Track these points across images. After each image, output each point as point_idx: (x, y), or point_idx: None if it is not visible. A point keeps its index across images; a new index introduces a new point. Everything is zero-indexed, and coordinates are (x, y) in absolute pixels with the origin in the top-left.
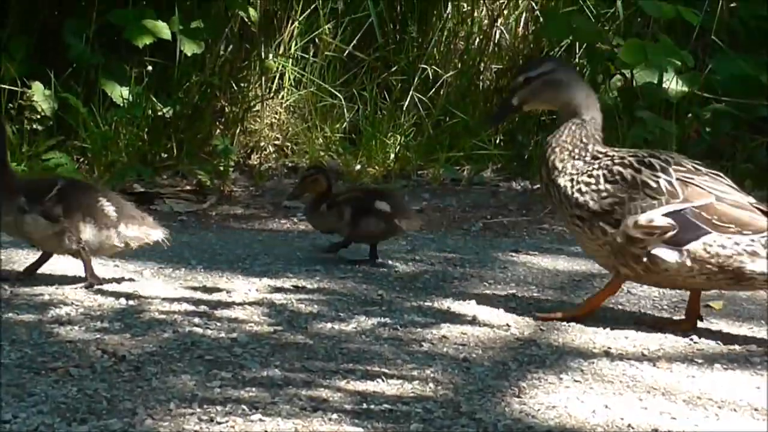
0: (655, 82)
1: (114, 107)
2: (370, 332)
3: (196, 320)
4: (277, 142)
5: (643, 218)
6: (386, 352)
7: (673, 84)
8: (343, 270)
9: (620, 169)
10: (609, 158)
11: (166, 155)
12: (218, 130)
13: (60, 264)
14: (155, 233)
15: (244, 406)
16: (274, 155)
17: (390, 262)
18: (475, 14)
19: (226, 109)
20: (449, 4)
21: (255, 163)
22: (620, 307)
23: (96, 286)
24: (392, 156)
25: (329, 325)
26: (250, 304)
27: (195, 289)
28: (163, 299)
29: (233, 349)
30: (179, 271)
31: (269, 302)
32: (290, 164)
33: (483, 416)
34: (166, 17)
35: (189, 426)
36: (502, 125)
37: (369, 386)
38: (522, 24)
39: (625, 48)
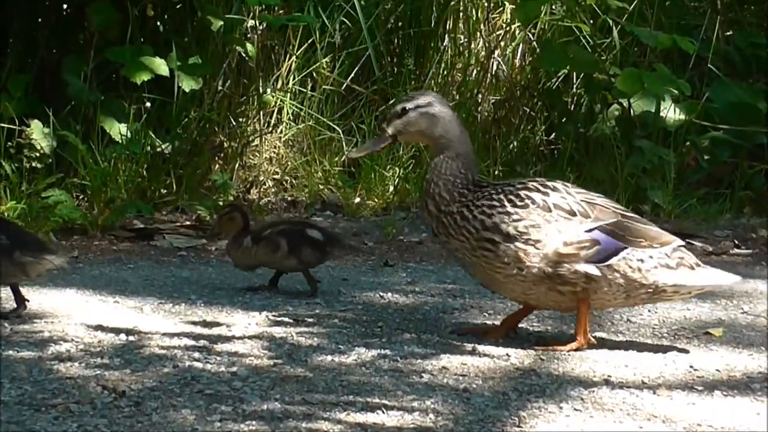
0: (653, 110)
1: (113, 144)
2: (371, 364)
3: (196, 355)
4: (276, 177)
5: (569, 236)
6: (386, 384)
7: (670, 112)
8: (343, 302)
9: (527, 193)
10: (503, 185)
11: (165, 191)
12: (217, 165)
13: (58, 301)
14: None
15: None
16: (273, 189)
17: (389, 294)
18: (472, 46)
19: (225, 144)
20: (446, 36)
21: (254, 197)
22: (620, 335)
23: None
24: (391, 188)
25: (329, 357)
26: (250, 337)
27: (195, 323)
28: (163, 334)
29: (233, 383)
30: (179, 306)
31: (269, 335)
32: (290, 198)
33: None
34: (164, 54)
35: None
36: (377, 153)
37: (369, 418)
38: (519, 55)
39: (622, 77)
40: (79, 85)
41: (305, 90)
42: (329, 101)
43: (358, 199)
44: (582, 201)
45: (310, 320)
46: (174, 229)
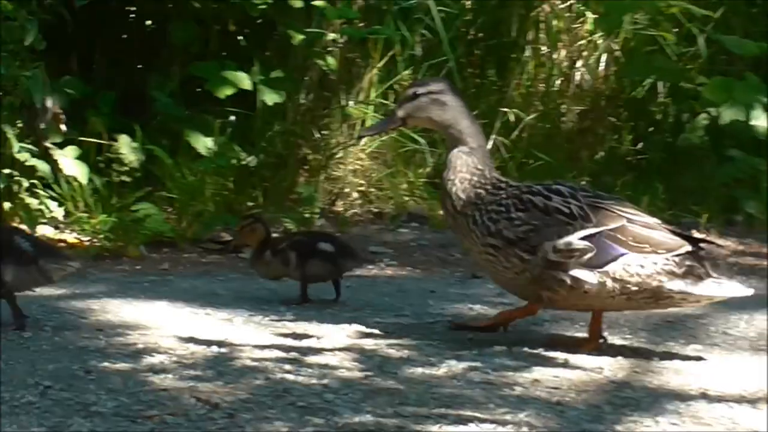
0: (742, 119)
1: (199, 158)
2: (462, 376)
3: (288, 367)
4: (361, 188)
5: (561, 243)
6: (478, 397)
7: (761, 121)
8: (432, 315)
9: (530, 197)
10: (515, 188)
11: (251, 204)
12: (302, 178)
13: (151, 313)
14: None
15: None
16: (358, 201)
17: (478, 306)
18: (555, 56)
19: (310, 157)
20: (528, 47)
21: (340, 209)
22: (716, 347)
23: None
24: None
25: (420, 369)
26: (341, 349)
27: (285, 335)
28: (254, 346)
29: (325, 395)
30: (269, 317)
31: (359, 348)
32: (375, 210)
33: None
34: (247, 68)
35: None
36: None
37: (462, 431)
38: (602, 65)
39: (710, 86)
40: (165, 100)
41: (387, 102)
42: None
43: (443, 211)
44: (586, 205)
45: (400, 332)
46: None
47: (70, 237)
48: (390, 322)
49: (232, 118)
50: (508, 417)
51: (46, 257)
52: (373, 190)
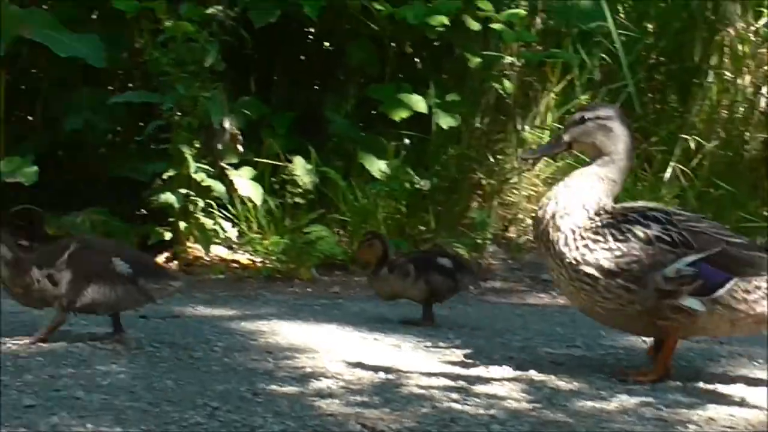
0: None
1: (372, 180)
2: (633, 411)
3: (455, 395)
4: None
5: (670, 271)
6: None
7: None
8: (604, 346)
9: (629, 227)
10: (609, 215)
11: (423, 228)
12: (475, 203)
13: (320, 336)
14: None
15: None
16: (532, 228)
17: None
18: (739, 82)
19: (483, 182)
20: (711, 72)
21: (513, 235)
22: None
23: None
24: None
25: (590, 403)
26: (509, 379)
27: (453, 363)
28: (422, 373)
29: (492, 426)
30: (437, 344)
31: (528, 378)
32: None
33: None
34: (423, 91)
35: None
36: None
37: None
38: None
39: None
40: (340, 122)
41: (563, 127)
42: None
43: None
44: (684, 230)
45: (571, 364)
46: None
47: (243, 258)
48: (561, 353)
49: (407, 141)
50: None
51: (146, 277)
52: None
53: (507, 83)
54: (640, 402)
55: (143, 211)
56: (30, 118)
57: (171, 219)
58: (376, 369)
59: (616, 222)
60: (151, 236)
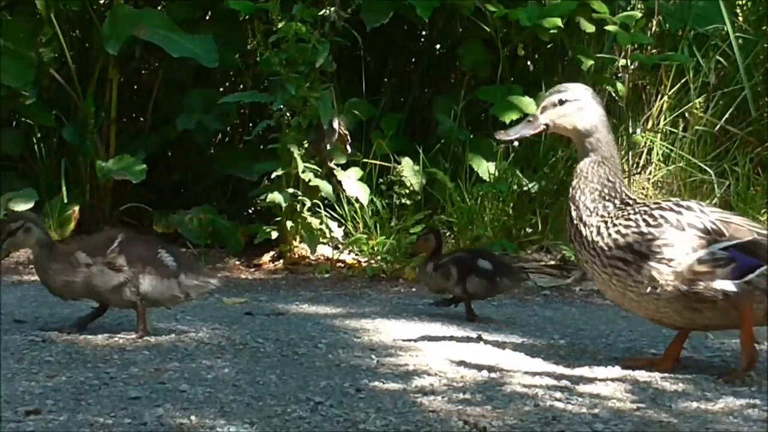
0: None
1: (480, 182)
2: (739, 413)
3: (558, 394)
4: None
5: (704, 253)
6: None
7: None
8: (711, 348)
9: (661, 212)
10: (642, 204)
11: (530, 230)
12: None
13: (424, 334)
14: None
15: None
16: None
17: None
18: None
19: None
20: None
21: None
22: None
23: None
24: None
25: (695, 404)
26: (613, 379)
27: (557, 363)
28: (525, 372)
29: (594, 425)
30: (541, 344)
31: (632, 378)
32: None
33: None
34: (533, 93)
35: None
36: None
37: None
38: None
39: None
40: (449, 124)
41: (676, 131)
42: (701, 142)
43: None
44: (716, 220)
45: (676, 365)
46: (538, 268)
47: (348, 257)
48: None
49: (516, 143)
50: None
51: (186, 272)
52: None
53: (620, 86)
54: (746, 403)
55: (250, 210)
56: (141, 118)
57: (278, 218)
58: (479, 367)
59: (649, 209)
60: (258, 235)
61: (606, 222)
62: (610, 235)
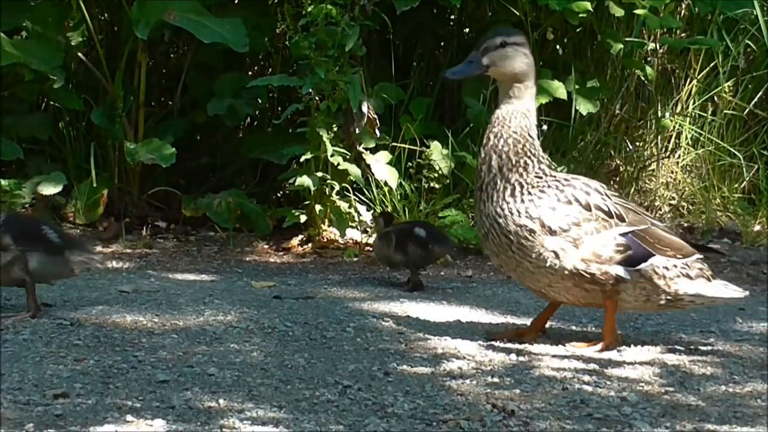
0: None
1: None
2: (766, 397)
3: (586, 378)
4: (672, 202)
5: (605, 237)
6: None
7: None
8: (739, 333)
9: (571, 191)
10: (553, 178)
11: None
12: (613, 189)
13: (453, 317)
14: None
15: None
16: (669, 215)
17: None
18: None
19: (621, 168)
20: None
21: None
22: None
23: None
24: None
25: (723, 387)
26: (641, 363)
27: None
28: (553, 356)
29: (622, 408)
30: (570, 328)
31: (661, 362)
32: (686, 224)
33: None
34: (563, 77)
35: None
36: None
37: None
38: None
39: None
40: (478, 108)
41: (705, 115)
42: (731, 126)
43: (758, 227)
44: (618, 204)
45: (704, 349)
46: None
47: None
48: (695, 339)
49: (545, 127)
50: None
51: (71, 248)
52: (684, 204)
53: (649, 69)
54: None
55: (279, 194)
56: (170, 102)
57: (306, 202)
58: (507, 351)
59: (561, 185)
60: (287, 219)
61: (522, 186)
62: (523, 201)
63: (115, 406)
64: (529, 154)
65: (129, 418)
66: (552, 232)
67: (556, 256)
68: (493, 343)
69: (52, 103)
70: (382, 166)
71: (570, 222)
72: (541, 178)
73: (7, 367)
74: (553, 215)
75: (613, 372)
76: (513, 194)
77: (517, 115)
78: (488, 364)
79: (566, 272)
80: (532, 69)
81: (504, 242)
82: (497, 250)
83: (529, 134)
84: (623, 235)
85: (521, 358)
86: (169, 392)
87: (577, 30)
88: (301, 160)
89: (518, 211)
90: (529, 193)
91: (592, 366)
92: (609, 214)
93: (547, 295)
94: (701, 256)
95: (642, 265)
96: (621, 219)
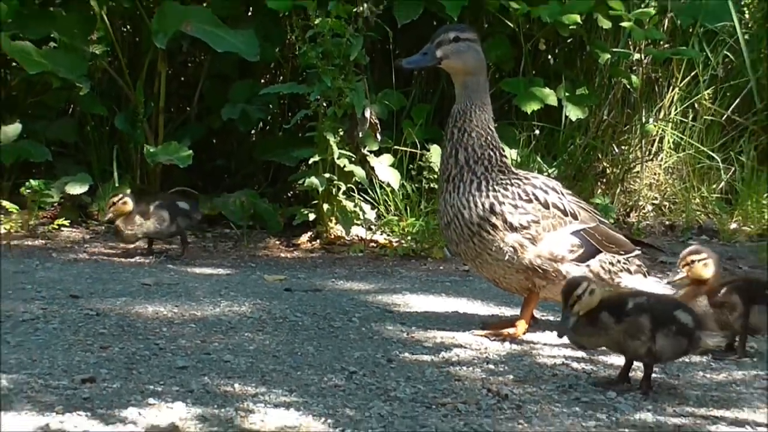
0: None
1: None
2: (741, 382)
3: (575, 365)
4: (655, 202)
5: (560, 236)
6: (756, 401)
7: None
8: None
9: (532, 189)
10: (515, 175)
11: None
12: (599, 190)
13: (450, 309)
14: None
15: None
16: (652, 214)
17: None
18: None
19: (607, 170)
20: None
21: (633, 221)
22: None
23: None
24: (767, 216)
25: (701, 373)
26: None
27: None
28: (545, 344)
29: (608, 393)
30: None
31: None
32: (667, 222)
33: None
34: (553, 85)
35: None
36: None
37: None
38: None
39: None
40: None
41: (686, 120)
42: (710, 131)
43: (734, 225)
44: (572, 203)
45: None
46: None
47: (381, 238)
48: None
49: (537, 131)
50: None
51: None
52: (666, 203)
53: (634, 78)
54: (747, 374)
55: (289, 193)
56: (187, 108)
57: (315, 201)
58: (503, 340)
59: (522, 183)
60: (297, 217)
61: (488, 182)
62: (488, 197)
63: (138, 390)
64: (491, 146)
65: (151, 401)
66: (513, 229)
67: (515, 251)
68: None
69: (78, 109)
70: (385, 168)
71: (530, 219)
72: (504, 174)
73: (38, 353)
74: (515, 212)
75: (600, 359)
76: (479, 188)
77: (476, 109)
78: (484, 352)
79: (522, 267)
80: (484, 64)
81: (466, 233)
82: (458, 240)
83: (489, 126)
84: (575, 232)
85: (515, 347)
86: (188, 377)
87: (568, 41)
88: (310, 162)
89: (482, 205)
90: (494, 189)
91: (581, 354)
92: (564, 212)
93: (499, 284)
94: (640, 252)
95: (591, 261)
96: (574, 217)
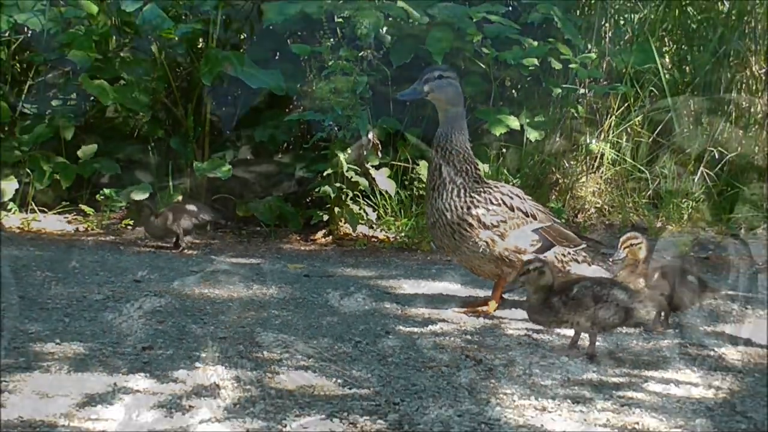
0: None
1: None
2: (666, 348)
3: (538, 336)
4: (597, 206)
5: (524, 235)
6: (679, 364)
7: None
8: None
9: (500, 196)
10: (486, 184)
11: None
12: (553, 196)
13: (436, 291)
14: None
15: (568, 401)
16: (595, 215)
17: None
18: (752, 109)
19: (560, 181)
20: (732, 101)
21: (580, 220)
22: None
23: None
24: (685, 216)
25: (635, 341)
26: None
27: None
28: (512, 319)
29: (561, 358)
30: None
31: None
32: (607, 222)
33: None
34: (517, 113)
35: (528, 413)
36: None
37: (661, 389)
38: None
39: None
40: None
41: (621, 141)
42: (639, 150)
43: (659, 224)
44: (532, 206)
45: None
46: None
47: (380, 234)
48: None
49: (504, 150)
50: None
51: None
52: (606, 207)
53: (580, 108)
54: (672, 342)
55: (308, 199)
56: (227, 132)
57: (328, 205)
58: (477, 316)
59: (492, 191)
60: (314, 217)
61: (465, 189)
62: (465, 201)
63: (186, 356)
64: (468, 161)
65: (197, 365)
66: (485, 227)
67: (487, 245)
68: (467, 310)
69: (141, 132)
70: (384, 179)
71: (499, 219)
72: (478, 183)
73: (108, 326)
74: (487, 214)
75: (555, 331)
76: (459, 195)
77: (456, 132)
78: (463, 326)
79: (493, 257)
80: (461, 97)
81: (448, 231)
82: (441, 236)
83: (465, 146)
84: (535, 230)
85: (487, 321)
86: (226, 346)
87: (528, 78)
88: (324, 174)
89: (461, 208)
90: (470, 196)
91: (539, 327)
92: (526, 214)
93: (474, 271)
94: (585, 246)
95: (547, 253)
96: (534, 218)
